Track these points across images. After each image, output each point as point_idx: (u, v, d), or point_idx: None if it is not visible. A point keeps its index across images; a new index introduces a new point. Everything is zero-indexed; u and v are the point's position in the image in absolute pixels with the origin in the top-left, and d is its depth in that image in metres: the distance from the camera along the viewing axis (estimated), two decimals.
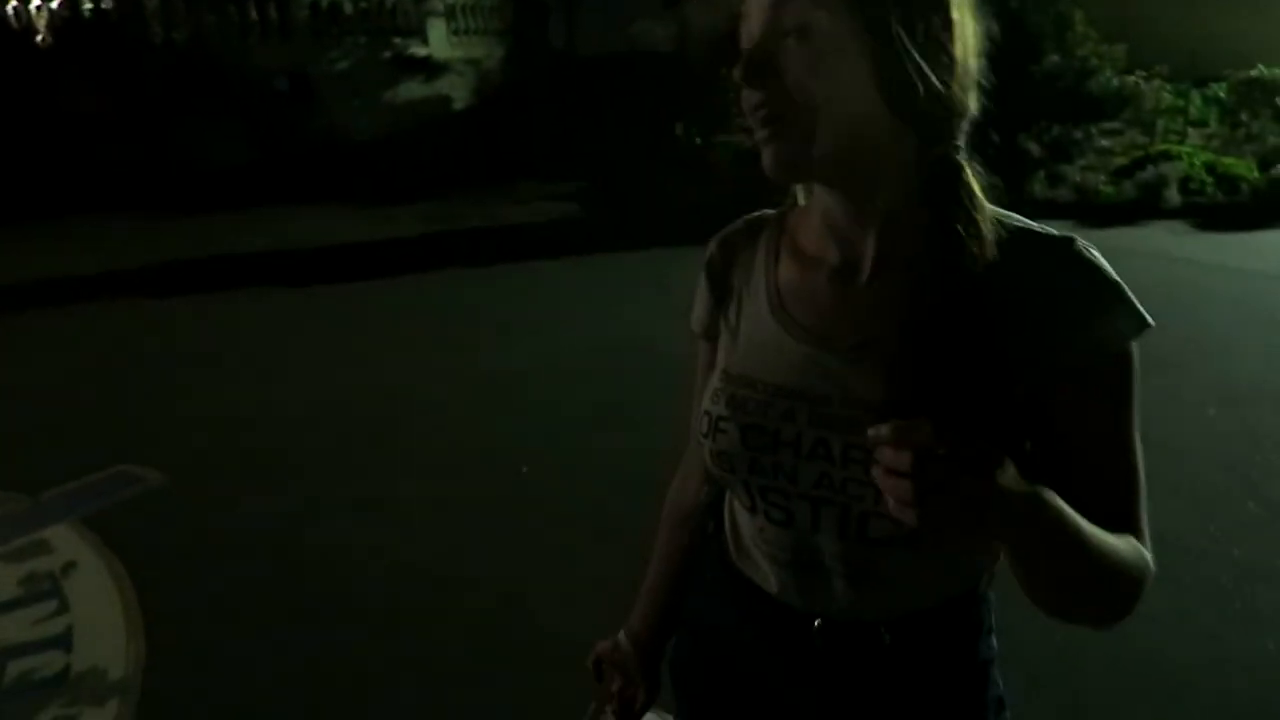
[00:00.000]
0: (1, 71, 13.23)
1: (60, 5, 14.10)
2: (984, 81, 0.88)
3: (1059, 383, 0.83)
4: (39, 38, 14.18)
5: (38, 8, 14.23)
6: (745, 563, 1.03)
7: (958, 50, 0.83)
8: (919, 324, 0.82)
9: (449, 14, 19.09)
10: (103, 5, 14.20)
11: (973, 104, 0.87)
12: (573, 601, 3.06)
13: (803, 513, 0.92)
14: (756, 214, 1.07)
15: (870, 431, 0.69)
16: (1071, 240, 0.84)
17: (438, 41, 18.65)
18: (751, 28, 0.85)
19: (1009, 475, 0.69)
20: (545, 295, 7.35)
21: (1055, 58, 10.72)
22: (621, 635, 1.23)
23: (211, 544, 3.61)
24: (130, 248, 9.79)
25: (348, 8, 17.14)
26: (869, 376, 0.87)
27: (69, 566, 3.48)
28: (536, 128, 15.54)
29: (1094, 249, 0.84)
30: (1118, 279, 0.82)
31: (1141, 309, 0.82)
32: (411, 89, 17.78)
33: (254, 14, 15.74)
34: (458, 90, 18.80)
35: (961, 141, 0.88)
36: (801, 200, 1.01)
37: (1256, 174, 9.39)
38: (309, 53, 16.19)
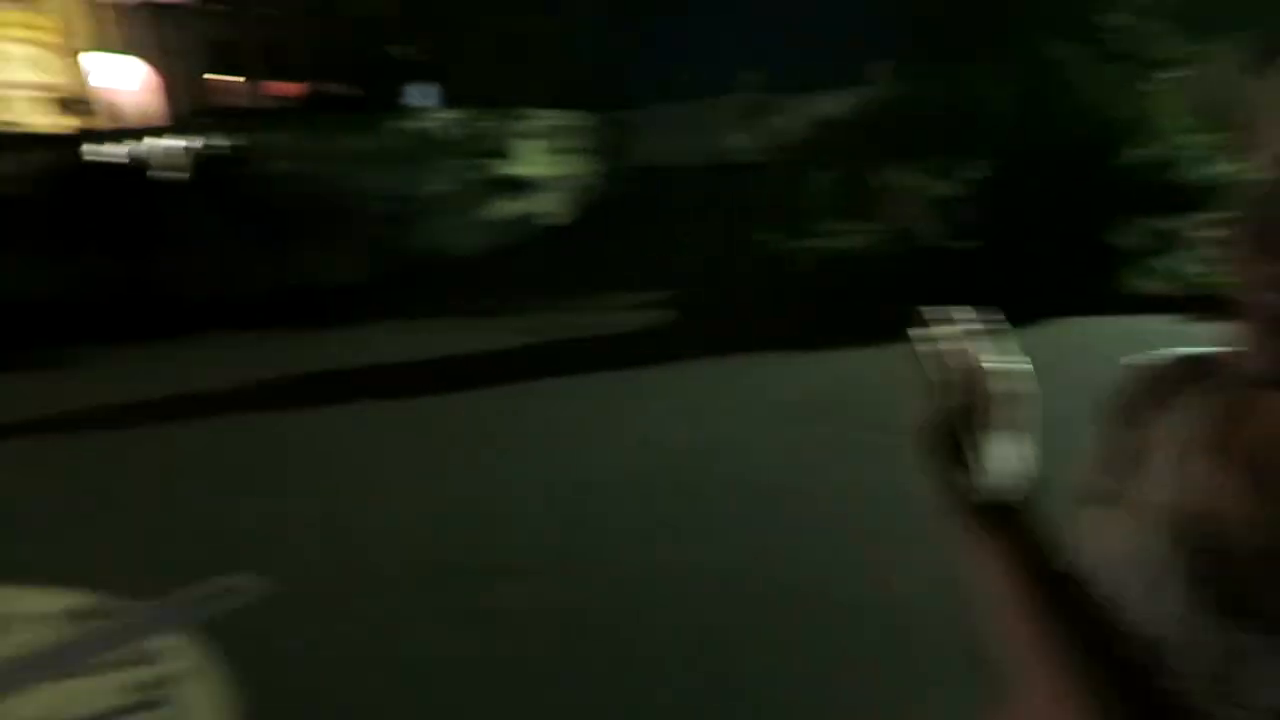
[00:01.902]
0: (135, 203, 14.32)
1: (191, 143, 15.35)
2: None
3: None
4: (174, 174, 15.41)
5: (168, 147, 15.52)
6: None
7: None
8: None
9: (538, 135, 20.17)
10: (232, 141, 15.44)
11: None
12: None
13: None
14: (1193, 353, 0.79)
15: None
16: None
17: (529, 160, 19.67)
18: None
19: None
20: (638, 402, 7.55)
21: (1141, 150, 10.71)
22: None
23: (320, 655, 3.78)
24: (247, 362, 10.39)
25: (441, 133, 18.27)
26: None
27: (177, 676, 3.66)
28: (625, 239, 16.09)
29: None
30: None
31: None
32: (504, 206, 18.73)
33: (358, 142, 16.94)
34: (549, 206, 19.69)
35: None
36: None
37: None
38: (412, 176, 17.27)
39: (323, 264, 14.91)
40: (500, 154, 19.16)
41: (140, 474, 6.55)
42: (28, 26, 23.06)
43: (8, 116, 22.61)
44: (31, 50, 23.14)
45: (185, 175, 15.19)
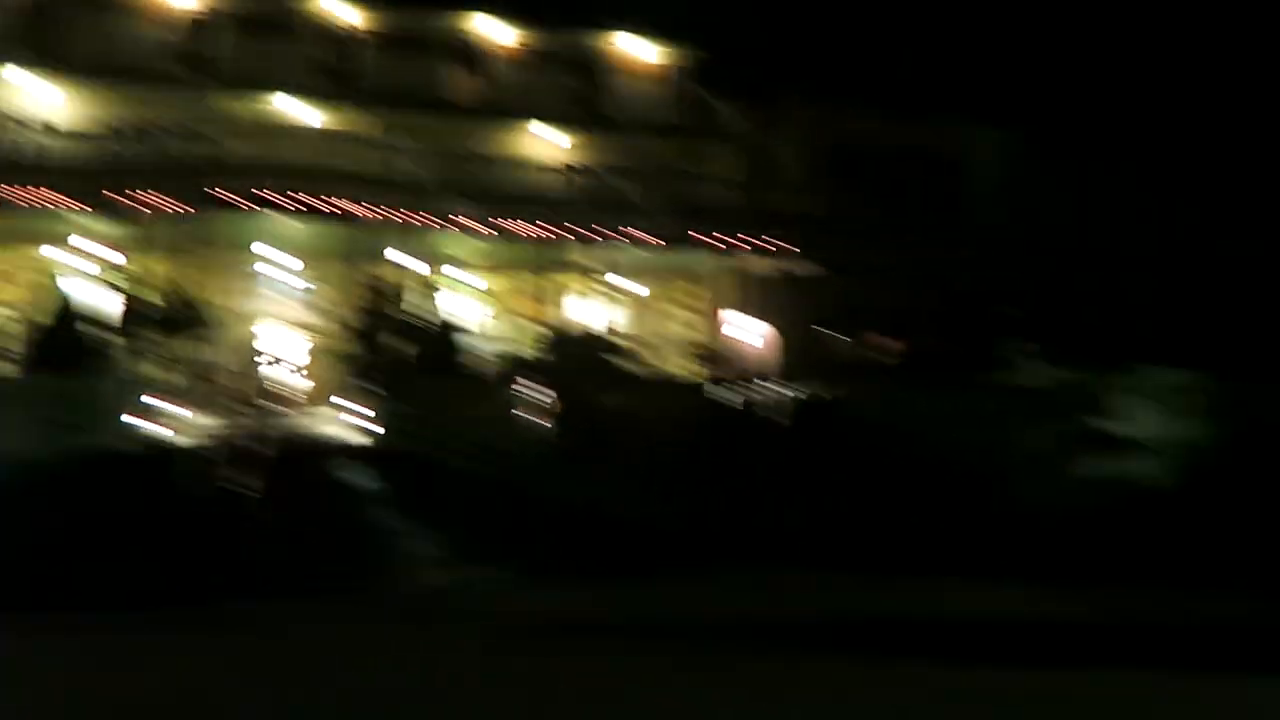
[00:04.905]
0: (744, 442, 15.98)
1: (799, 392, 16.99)
2: None
3: None
4: (781, 418, 17.17)
5: (779, 395, 17.43)
6: None
7: None
8: None
9: (1146, 393, 18.48)
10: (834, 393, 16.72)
11: None
12: None
13: None
14: None
15: None
16: None
17: (1139, 420, 18.03)
18: None
19: None
20: None
21: None
22: None
23: None
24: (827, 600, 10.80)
25: (1040, 390, 17.64)
26: None
27: None
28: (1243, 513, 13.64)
29: None
30: None
31: None
32: (1101, 466, 17.26)
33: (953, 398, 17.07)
34: (1156, 470, 17.65)
35: None
36: None
37: None
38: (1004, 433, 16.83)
39: (902, 513, 15.08)
40: (1102, 411, 17.90)
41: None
42: (685, 294, 28.22)
43: (658, 364, 27.44)
44: (685, 312, 28.12)
45: (789, 420, 16.75)
